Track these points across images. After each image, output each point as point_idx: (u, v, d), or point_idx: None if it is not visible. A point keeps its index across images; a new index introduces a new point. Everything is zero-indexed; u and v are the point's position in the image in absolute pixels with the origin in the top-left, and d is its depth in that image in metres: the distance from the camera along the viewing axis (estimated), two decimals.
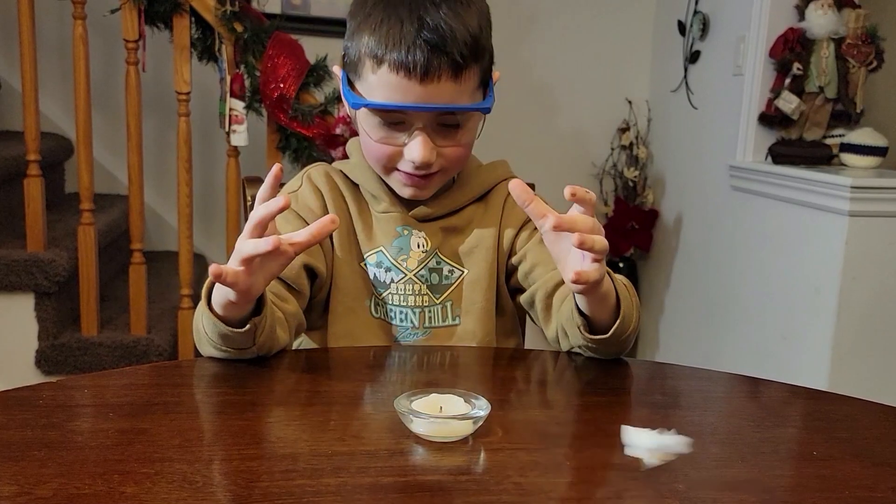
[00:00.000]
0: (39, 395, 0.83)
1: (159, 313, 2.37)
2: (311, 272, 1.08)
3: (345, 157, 1.20)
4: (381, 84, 1.00)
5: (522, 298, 1.12)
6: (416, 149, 1.01)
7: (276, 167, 0.87)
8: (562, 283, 1.04)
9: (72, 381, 0.89)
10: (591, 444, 0.79)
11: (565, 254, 0.89)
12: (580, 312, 0.96)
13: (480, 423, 0.76)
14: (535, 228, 1.06)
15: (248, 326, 0.90)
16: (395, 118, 1.02)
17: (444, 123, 1.03)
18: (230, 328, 0.90)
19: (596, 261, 0.85)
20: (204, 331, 0.94)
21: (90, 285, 2.17)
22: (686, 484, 0.70)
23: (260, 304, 0.91)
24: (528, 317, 1.21)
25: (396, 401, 0.78)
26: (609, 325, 0.95)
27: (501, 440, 0.76)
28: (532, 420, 0.83)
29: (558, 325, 1.04)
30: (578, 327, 0.96)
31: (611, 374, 1.01)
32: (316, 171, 1.16)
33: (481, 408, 0.78)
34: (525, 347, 1.29)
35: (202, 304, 0.93)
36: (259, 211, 0.85)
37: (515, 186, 0.86)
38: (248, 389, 0.91)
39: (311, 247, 0.88)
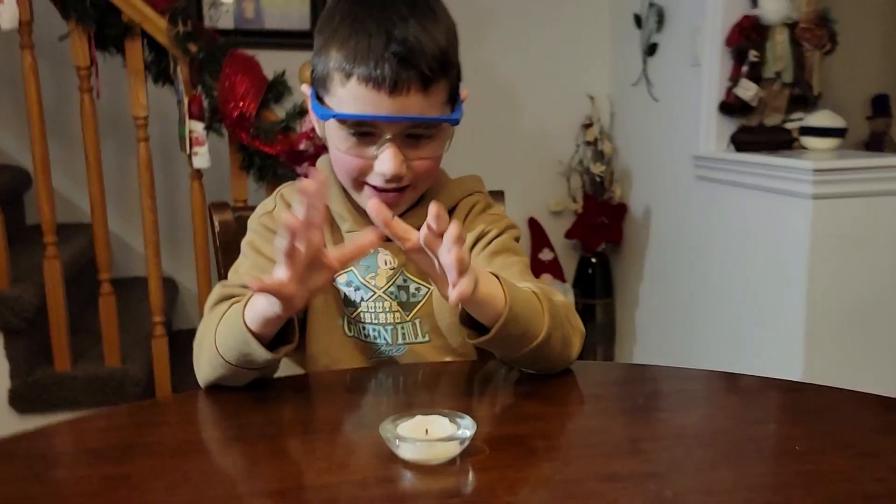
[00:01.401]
0: (18, 446, 0.82)
1: (132, 342, 2.34)
2: None
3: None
4: (350, 97, 1.00)
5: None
6: (386, 161, 1.01)
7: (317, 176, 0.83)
8: None
9: (51, 428, 0.87)
10: (578, 455, 0.80)
11: (435, 271, 0.86)
12: (467, 324, 0.94)
13: (467, 443, 0.76)
14: (488, 242, 1.09)
15: (281, 354, 0.92)
16: (364, 129, 1.01)
17: (414, 135, 1.02)
18: (265, 350, 0.90)
19: (461, 273, 0.81)
20: (216, 349, 0.94)
21: (59, 319, 2.14)
22: (673, 490, 0.71)
23: (288, 332, 0.94)
24: None
25: (381, 426, 0.77)
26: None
27: (489, 458, 0.76)
28: (517, 435, 0.83)
29: None
30: (466, 335, 0.94)
31: (591, 381, 1.02)
32: (288, 189, 1.16)
33: (467, 427, 0.77)
34: None
35: (227, 321, 0.95)
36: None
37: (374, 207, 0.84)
38: (230, 424, 0.90)
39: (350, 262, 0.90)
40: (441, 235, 0.81)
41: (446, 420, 0.79)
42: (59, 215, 2.27)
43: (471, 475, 0.74)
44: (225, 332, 0.95)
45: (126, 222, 2.86)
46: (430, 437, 0.76)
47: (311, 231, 0.83)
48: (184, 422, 0.91)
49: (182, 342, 2.69)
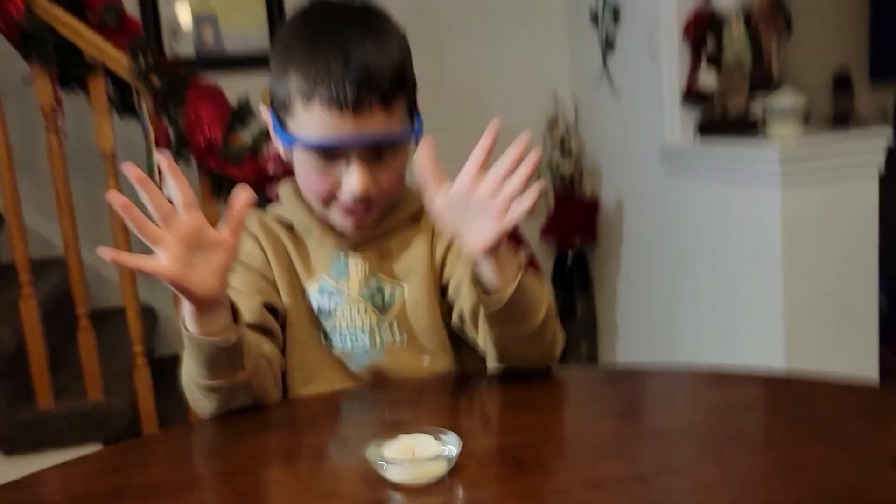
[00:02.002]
0: (4, 497, 0.81)
1: (114, 374, 2.32)
2: (272, 310, 1.09)
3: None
4: (313, 121, 1.01)
5: (453, 316, 1.12)
6: (353, 182, 1.02)
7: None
8: None
9: (37, 476, 0.87)
10: (564, 463, 0.81)
11: (467, 221, 0.91)
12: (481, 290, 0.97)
13: (454, 461, 0.77)
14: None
15: (232, 338, 0.92)
16: (331, 153, 1.03)
17: (379, 153, 1.04)
18: (211, 338, 0.91)
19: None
20: (193, 378, 0.96)
21: (39, 358, 2.12)
22: (661, 492, 0.72)
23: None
24: None
25: (368, 450, 0.78)
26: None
27: (476, 474, 0.77)
28: (503, 447, 0.84)
29: (483, 334, 1.05)
30: (479, 296, 0.95)
31: (573, 386, 1.03)
32: (247, 220, 1.16)
33: (452, 444, 0.78)
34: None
35: (185, 349, 0.95)
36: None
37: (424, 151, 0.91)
38: (218, 459, 0.90)
39: (240, 227, 0.90)
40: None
41: (431, 438, 0.80)
42: (32, 250, 2.26)
43: (460, 493, 0.75)
44: (186, 356, 0.96)
45: (98, 254, 2.84)
46: (417, 457, 0.77)
47: (186, 213, 0.85)
48: (171, 460, 0.91)
49: (165, 369, 2.68)
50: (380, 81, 0.99)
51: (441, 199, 0.92)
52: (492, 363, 1.07)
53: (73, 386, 2.27)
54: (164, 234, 0.86)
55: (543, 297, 1.00)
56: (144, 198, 0.86)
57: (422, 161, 0.91)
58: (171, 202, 0.87)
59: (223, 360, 0.94)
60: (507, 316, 0.96)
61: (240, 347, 0.94)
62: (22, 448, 2.14)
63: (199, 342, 0.92)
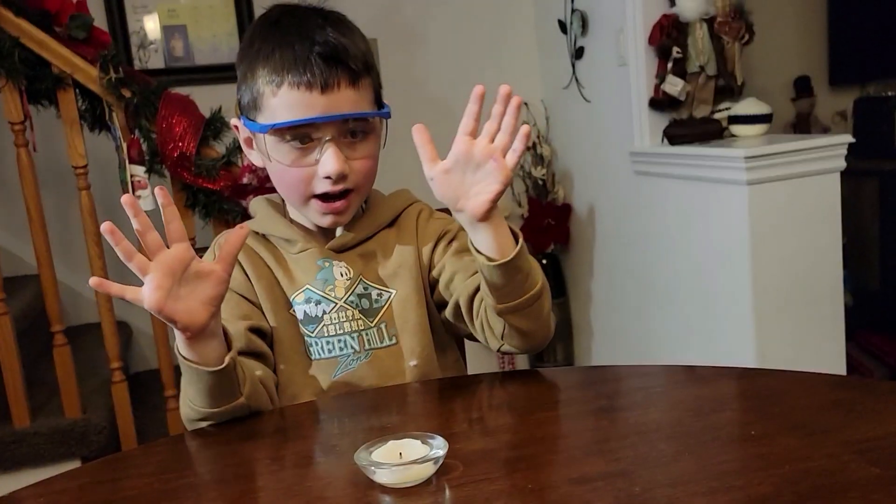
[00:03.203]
0: None
1: (91, 390, 2.31)
2: (259, 332, 1.10)
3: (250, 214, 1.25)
4: (283, 104, 1.04)
5: (447, 309, 1.15)
6: (329, 161, 1.05)
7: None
8: (479, 288, 1.06)
9: (17, 494, 0.87)
10: (548, 462, 0.83)
11: (467, 185, 0.97)
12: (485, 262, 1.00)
13: (441, 463, 0.79)
14: (450, 241, 1.16)
15: (226, 362, 0.94)
16: (303, 133, 1.05)
17: (351, 133, 1.08)
18: (206, 367, 0.93)
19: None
20: (193, 407, 0.98)
21: (14, 375, 2.10)
22: (641, 486, 0.74)
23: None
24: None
25: (356, 454, 0.80)
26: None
27: (463, 475, 0.79)
28: (488, 448, 0.86)
29: (482, 319, 1.07)
30: (481, 264, 0.98)
31: (554, 387, 1.05)
32: (223, 238, 1.19)
33: (439, 447, 0.80)
34: (465, 357, 1.33)
35: (183, 377, 0.97)
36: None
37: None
38: (205, 469, 0.91)
39: (232, 260, 0.93)
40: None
41: (418, 442, 0.81)
42: (3, 269, 2.24)
43: (447, 493, 0.76)
44: (184, 384, 0.99)
45: (72, 271, 2.82)
46: (404, 460, 0.79)
47: (174, 246, 0.89)
48: (158, 471, 0.91)
49: (141, 385, 2.68)
50: (346, 58, 1.04)
51: (438, 170, 0.97)
52: (494, 344, 1.07)
53: (50, 403, 2.25)
54: (151, 264, 0.88)
55: (537, 265, 1.03)
56: (136, 225, 0.88)
57: (418, 139, 0.96)
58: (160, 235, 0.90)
59: (221, 386, 0.96)
60: (509, 281, 0.99)
61: (235, 373, 0.96)
62: None
63: (196, 371, 0.94)
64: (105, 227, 0.87)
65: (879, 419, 0.84)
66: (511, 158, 0.95)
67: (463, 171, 0.97)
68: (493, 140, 0.96)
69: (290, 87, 1.03)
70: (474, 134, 0.97)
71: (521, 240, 0.99)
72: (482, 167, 0.95)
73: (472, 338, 1.15)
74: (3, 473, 2.11)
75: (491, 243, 0.98)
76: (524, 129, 0.96)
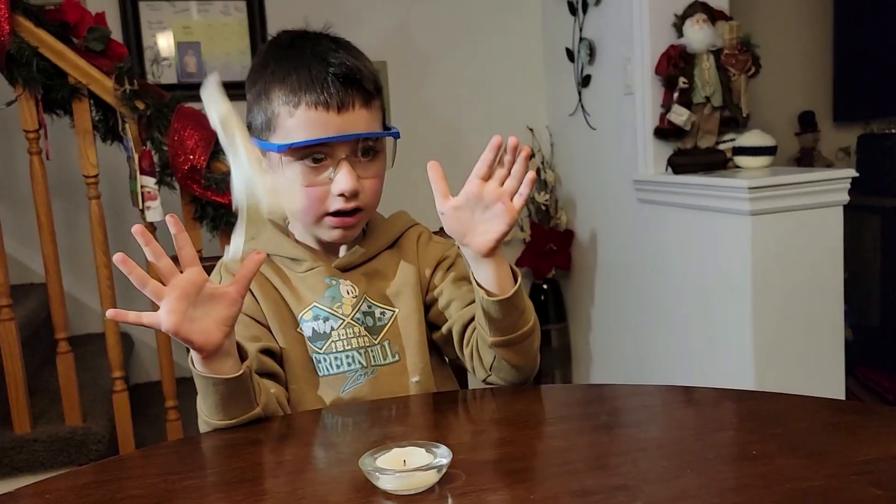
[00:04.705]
0: None
1: (92, 399, 2.31)
2: (269, 353, 1.12)
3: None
4: (300, 124, 1.07)
5: (440, 333, 1.20)
6: (343, 179, 1.08)
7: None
8: (473, 319, 1.12)
9: (20, 492, 0.88)
10: (550, 474, 0.84)
11: (475, 223, 1.03)
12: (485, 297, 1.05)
13: (444, 471, 0.80)
14: (449, 267, 1.21)
15: (242, 369, 0.96)
16: (317, 153, 1.08)
17: (363, 152, 1.11)
18: (220, 375, 0.96)
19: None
20: (210, 421, 1.00)
21: (17, 382, 2.11)
22: (643, 500, 0.75)
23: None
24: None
25: (361, 460, 0.81)
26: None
27: (466, 484, 0.80)
28: (491, 459, 0.87)
29: (473, 348, 1.14)
30: (480, 297, 1.04)
31: (555, 403, 1.06)
32: (229, 259, 1.20)
33: (443, 456, 0.81)
34: (466, 374, 1.35)
35: (199, 393, 1.00)
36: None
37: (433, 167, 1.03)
38: (209, 471, 0.92)
39: (247, 283, 0.97)
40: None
41: (422, 450, 0.82)
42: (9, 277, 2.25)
43: (450, 501, 0.77)
44: (200, 400, 1.01)
45: (77, 279, 2.84)
46: (408, 467, 0.80)
47: (187, 270, 0.92)
48: (164, 472, 0.92)
49: (141, 396, 2.68)
50: (360, 80, 1.08)
51: (450, 206, 1.02)
52: (481, 374, 1.13)
53: (50, 411, 2.26)
54: (165, 289, 0.92)
55: (531, 304, 1.10)
56: (148, 254, 0.92)
57: (432, 174, 1.02)
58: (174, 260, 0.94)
59: (236, 395, 0.98)
60: (506, 316, 1.05)
61: (251, 381, 0.99)
62: None
63: (212, 381, 0.96)
64: (117, 258, 0.90)
65: (881, 442, 0.85)
66: (517, 202, 1.01)
67: (472, 209, 1.03)
68: (502, 184, 1.01)
69: (308, 107, 1.07)
70: (486, 178, 1.02)
71: (519, 279, 1.05)
72: (490, 208, 1.01)
73: (456, 359, 1.21)
74: (1, 479, 2.11)
75: (492, 279, 1.04)
76: (530, 175, 1.01)
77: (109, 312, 0.92)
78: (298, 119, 1.07)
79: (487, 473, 0.83)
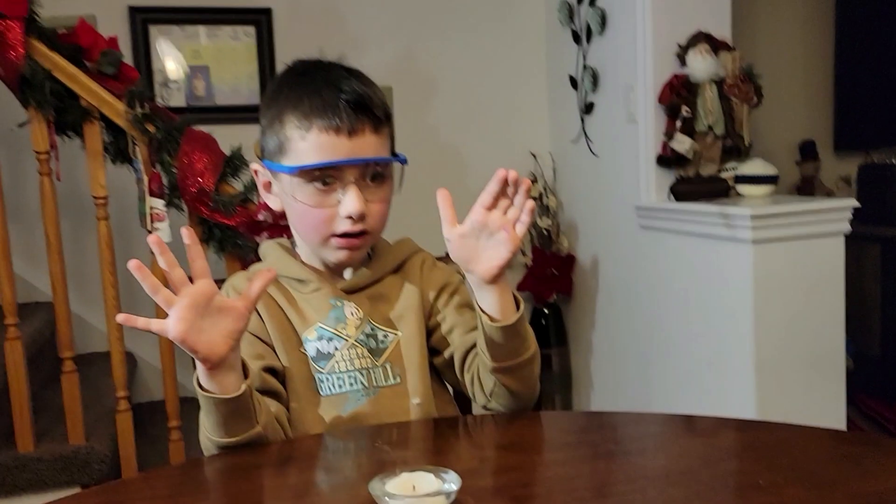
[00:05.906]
0: None
1: (95, 419, 2.32)
2: (272, 371, 1.14)
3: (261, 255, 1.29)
4: (311, 147, 1.10)
5: (439, 359, 1.22)
6: (351, 202, 1.11)
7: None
8: (475, 345, 1.14)
9: None
10: (557, 501, 0.85)
11: (479, 249, 1.06)
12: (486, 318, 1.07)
13: (454, 497, 0.81)
14: (452, 294, 1.23)
15: (242, 388, 0.98)
16: (327, 176, 1.11)
17: (372, 177, 1.14)
18: (221, 395, 0.97)
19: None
20: (212, 439, 1.01)
21: (22, 401, 2.12)
22: None
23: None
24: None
25: (370, 485, 0.82)
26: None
27: None
28: (499, 485, 0.88)
29: (473, 374, 1.16)
30: (483, 322, 1.07)
31: (560, 430, 1.08)
32: (237, 279, 1.24)
33: (452, 481, 0.82)
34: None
35: (202, 410, 1.01)
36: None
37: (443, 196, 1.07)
38: (218, 494, 0.93)
39: (256, 299, 0.98)
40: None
41: (431, 476, 0.84)
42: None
43: None
44: (202, 416, 1.02)
45: (82, 300, 2.85)
46: (418, 492, 0.81)
47: (198, 281, 0.94)
48: (174, 494, 0.93)
49: (143, 416, 2.68)
50: (371, 106, 1.12)
51: (456, 233, 1.06)
52: (481, 400, 1.15)
53: (54, 430, 2.26)
54: (175, 298, 0.94)
55: (532, 332, 1.12)
56: (162, 264, 0.94)
57: (441, 202, 1.06)
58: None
59: (237, 414, 0.99)
60: (507, 342, 1.07)
61: (250, 401, 1.00)
62: (0, 491, 2.12)
63: (213, 400, 0.98)
64: (132, 264, 0.92)
65: (887, 473, 0.86)
66: (520, 230, 1.05)
67: (477, 237, 1.06)
68: (505, 213, 1.05)
69: (319, 131, 1.10)
70: (490, 208, 1.06)
71: (521, 306, 1.08)
72: (494, 236, 1.04)
73: (457, 385, 1.23)
74: (5, 498, 2.11)
75: (495, 304, 1.07)
76: (530, 204, 1.05)
77: (120, 317, 0.93)
78: (310, 142, 1.10)
79: (496, 499, 0.84)
